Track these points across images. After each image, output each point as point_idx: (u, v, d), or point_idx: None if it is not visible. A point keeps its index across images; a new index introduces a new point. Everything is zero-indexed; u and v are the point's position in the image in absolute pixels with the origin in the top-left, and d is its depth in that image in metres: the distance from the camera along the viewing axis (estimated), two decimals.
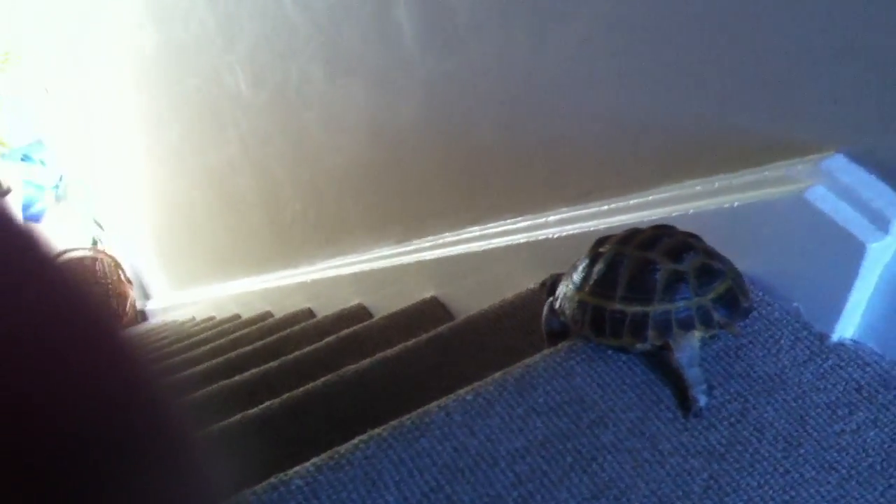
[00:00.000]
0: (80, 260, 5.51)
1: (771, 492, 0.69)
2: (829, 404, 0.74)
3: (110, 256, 5.48)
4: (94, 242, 6.01)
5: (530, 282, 1.23)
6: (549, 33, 1.08)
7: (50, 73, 5.41)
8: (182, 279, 4.16)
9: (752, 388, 0.76)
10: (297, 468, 0.71)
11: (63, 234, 6.25)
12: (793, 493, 0.69)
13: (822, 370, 0.77)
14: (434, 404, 0.76)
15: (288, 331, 1.83)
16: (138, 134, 3.70)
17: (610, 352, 0.79)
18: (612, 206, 1.06)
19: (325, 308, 2.09)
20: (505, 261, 1.31)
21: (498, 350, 1.10)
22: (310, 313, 2.21)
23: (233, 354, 1.75)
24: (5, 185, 6.81)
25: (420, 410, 0.75)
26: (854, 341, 0.79)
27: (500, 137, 1.29)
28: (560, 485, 0.69)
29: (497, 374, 0.79)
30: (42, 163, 7.30)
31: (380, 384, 1.09)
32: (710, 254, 0.74)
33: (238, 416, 1.04)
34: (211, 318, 3.28)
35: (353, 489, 0.68)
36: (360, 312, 1.86)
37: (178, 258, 4.07)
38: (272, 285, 2.60)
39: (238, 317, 2.90)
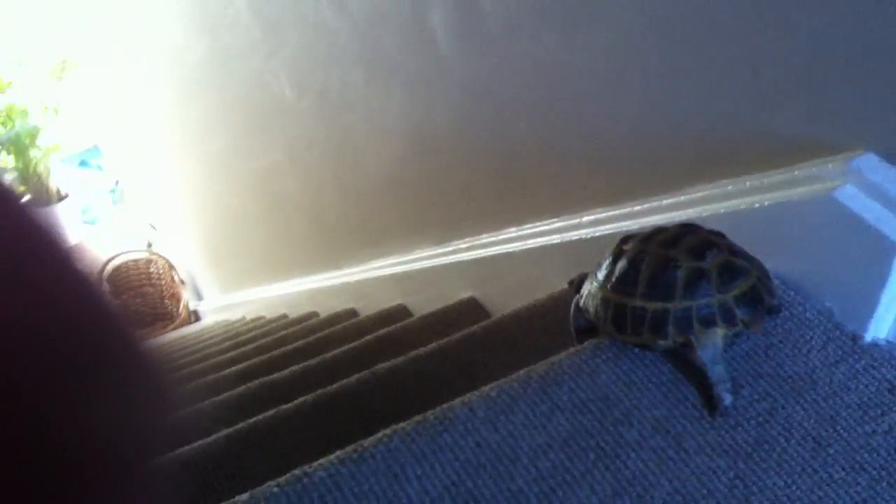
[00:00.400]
0: (136, 262, 5.64)
1: (798, 492, 0.68)
2: (861, 405, 0.73)
3: (164, 258, 5.59)
4: (149, 245, 6.14)
5: (564, 282, 1.23)
6: (581, 34, 1.08)
7: (105, 80, 5.54)
8: (232, 281, 4.22)
9: (781, 388, 0.75)
10: (321, 461, 0.72)
11: (119, 237, 6.40)
12: (821, 494, 0.68)
13: (853, 370, 0.76)
14: (458, 400, 0.76)
15: (330, 330, 1.85)
16: (189, 140, 3.78)
17: (636, 350, 0.79)
18: (645, 206, 1.06)
19: (368, 308, 2.11)
20: (540, 261, 1.31)
21: (529, 349, 1.10)
22: (353, 313, 2.23)
23: (276, 353, 1.78)
24: (63, 191, 7.00)
25: (444, 406, 0.76)
26: (888, 341, 0.78)
27: (535, 138, 1.29)
28: (582, 481, 0.69)
29: (522, 372, 0.79)
30: (98, 168, 7.48)
31: (411, 382, 1.10)
32: (734, 251, 0.74)
33: (273, 412, 1.06)
34: (260, 318, 3.33)
35: (374, 482, 0.69)
36: (401, 312, 1.88)
37: (229, 260, 4.14)
38: (317, 286, 2.63)
39: (285, 317, 2.94)
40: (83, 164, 7.38)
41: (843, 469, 0.69)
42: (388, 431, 0.73)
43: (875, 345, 0.77)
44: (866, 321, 0.77)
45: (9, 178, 6.58)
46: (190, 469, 0.98)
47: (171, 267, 5.48)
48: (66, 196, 6.85)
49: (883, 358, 0.76)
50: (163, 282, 5.65)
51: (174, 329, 5.15)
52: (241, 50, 2.53)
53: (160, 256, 5.58)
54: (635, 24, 0.98)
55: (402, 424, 0.74)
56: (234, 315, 4.15)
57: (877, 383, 0.75)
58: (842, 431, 0.72)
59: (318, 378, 1.33)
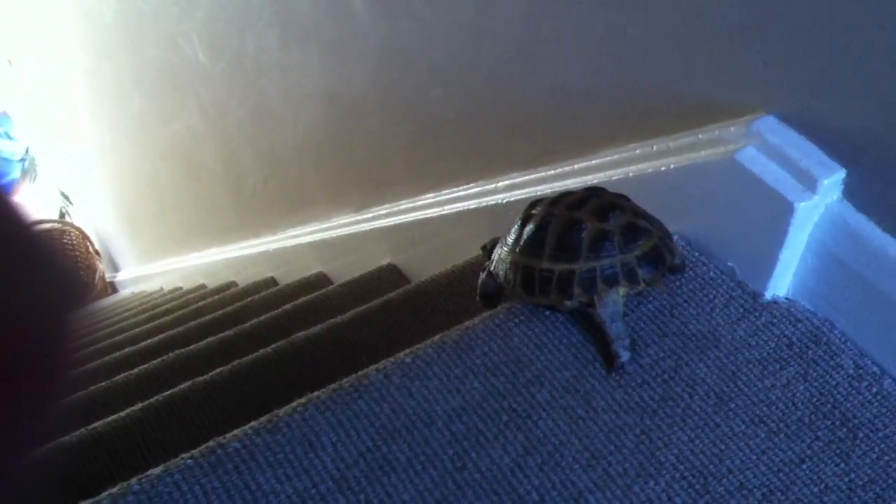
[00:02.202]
0: (49, 232, 5.46)
1: (701, 445, 0.70)
2: (761, 360, 0.76)
3: (78, 229, 5.43)
4: (62, 215, 5.95)
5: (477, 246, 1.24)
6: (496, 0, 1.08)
7: (13, 44, 5.31)
8: (150, 250, 4.13)
9: (685, 346, 0.77)
10: (235, 431, 0.71)
11: (31, 207, 6.18)
12: (723, 447, 0.70)
13: (754, 327, 0.79)
14: (373, 367, 0.77)
15: (248, 300, 1.83)
16: (102, 105, 3.66)
17: (548, 313, 0.80)
18: (558, 170, 1.07)
19: (288, 276, 2.09)
20: (458, 227, 1.32)
21: (447, 314, 1.11)
22: (272, 282, 2.21)
23: (193, 324, 1.75)
24: None
25: (359, 373, 0.76)
26: (787, 299, 0.81)
27: (452, 104, 1.29)
28: (495, 442, 0.70)
29: (436, 337, 0.80)
30: (8, 135, 7.19)
31: (330, 349, 1.10)
32: (637, 213, 0.75)
33: (188, 383, 1.05)
34: (178, 289, 3.27)
35: (290, 450, 0.69)
36: (321, 280, 1.87)
37: (146, 229, 4.04)
38: (236, 255, 2.59)
39: (203, 287, 2.90)
40: None
41: (744, 422, 0.72)
42: (302, 400, 0.73)
43: (774, 302, 0.80)
44: (766, 280, 0.80)
45: None
46: (103, 444, 0.97)
47: (86, 238, 5.32)
48: None
49: (782, 315, 0.79)
50: (77, 253, 5.48)
51: (90, 302, 5.02)
52: (154, 12, 2.45)
53: (74, 227, 5.42)
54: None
55: (317, 393, 0.74)
56: (151, 286, 4.06)
57: (776, 339, 0.78)
58: (742, 386, 0.75)
59: (236, 348, 1.31)
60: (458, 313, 1.13)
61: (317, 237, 1.90)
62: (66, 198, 5.92)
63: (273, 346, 1.10)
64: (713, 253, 0.85)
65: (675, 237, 0.84)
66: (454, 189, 1.34)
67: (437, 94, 1.32)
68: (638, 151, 0.94)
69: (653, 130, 0.93)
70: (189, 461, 0.68)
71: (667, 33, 0.86)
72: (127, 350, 1.70)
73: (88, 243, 5.33)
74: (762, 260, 0.80)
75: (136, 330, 2.07)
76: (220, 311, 1.78)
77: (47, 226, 5.49)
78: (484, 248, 0.90)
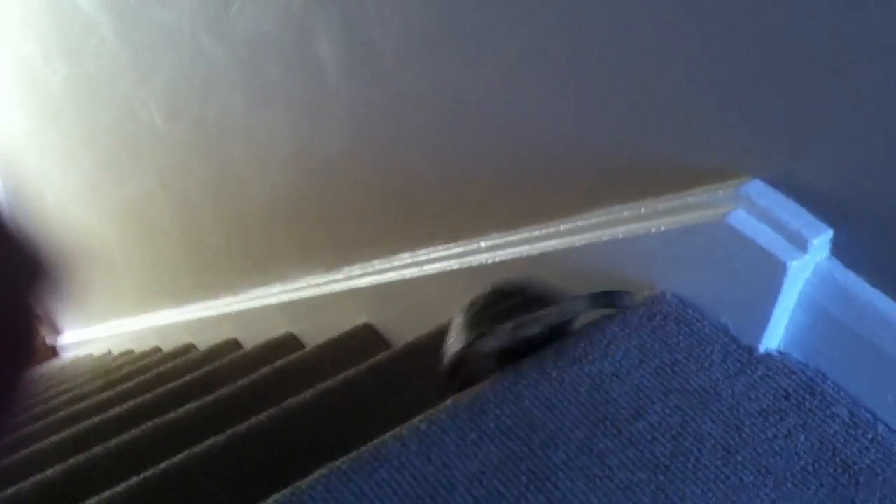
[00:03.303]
0: None
1: (714, 498, 0.73)
2: (762, 412, 0.80)
3: None
4: None
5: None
6: (476, 63, 1.12)
7: None
8: (97, 313, 4.05)
9: (689, 402, 0.80)
10: None
11: None
12: (735, 498, 0.73)
13: (752, 380, 0.82)
14: (389, 435, 0.78)
15: (217, 363, 1.81)
16: (47, 168, 3.60)
17: (554, 374, 0.82)
18: (543, 231, 1.10)
19: (254, 338, 2.08)
20: (438, 287, 1.34)
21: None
22: (236, 344, 2.19)
23: (162, 390, 1.73)
24: None
25: (376, 442, 0.77)
26: (780, 352, 0.84)
27: (430, 164, 1.32)
28: None
29: (448, 402, 0.81)
30: None
31: (324, 416, 1.10)
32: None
33: (184, 455, 1.04)
34: (129, 352, 3.21)
35: None
36: (290, 341, 1.86)
37: (93, 291, 3.96)
38: (195, 316, 2.56)
39: (159, 350, 2.85)
40: None
41: (752, 473, 0.75)
42: (323, 471, 0.74)
43: (768, 356, 0.84)
44: (760, 334, 0.84)
45: None
46: None
47: None
48: None
49: (777, 367, 0.83)
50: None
51: (34, 366, 4.87)
52: (107, 77, 2.45)
53: None
54: (528, 52, 1.03)
55: (336, 463, 0.75)
56: (99, 349, 3.98)
57: (773, 391, 0.81)
58: (747, 438, 0.78)
59: (219, 416, 1.30)
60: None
61: (285, 297, 1.90)
62: None
63: (265, 414, 1.10)
64: (705, 310, 0.88)
65: (668, 295, 0.88)
66: (433, 249, 1.36)
67: (415, 154, 1.35)
68: (626, 213, 0.97)
69: (639, 192, 0.97)
70: None
71: (652, 99, 0.90)
72: (96, 419, 1.66)
73: None
74: (755, 316, 0.84)
75: (99, 396, 2.02)
76: (189, 376, 1.76)
77: None
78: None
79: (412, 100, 1.28)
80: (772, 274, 0.80)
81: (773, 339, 0.84)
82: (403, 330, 1.46)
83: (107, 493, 0.99)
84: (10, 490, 1.26)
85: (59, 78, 2.91)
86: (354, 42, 1.35)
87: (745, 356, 0.84)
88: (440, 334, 1.20)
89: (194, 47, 1.88)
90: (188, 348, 2.52)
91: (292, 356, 1.54)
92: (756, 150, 0.83)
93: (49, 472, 1.28)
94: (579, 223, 1.04)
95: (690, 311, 0.89)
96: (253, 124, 1.79)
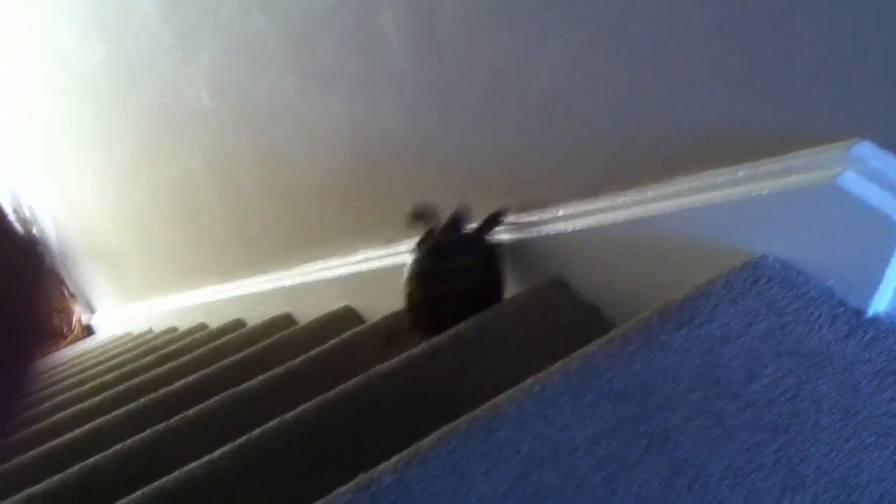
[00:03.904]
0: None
1: (837, 458, 0.73)
2: (876, 373, 0.79)
3: (51, 272, 5.33)
4: None
5: (546, 275, 1.26)
6: (552, 34, 1.10)
7: None
8: (134, 291, 4.08)
9: (802, 364, 0.80)
10: (381, 466, 0.72)
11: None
12: (856, 460, 0.73)
13: (863, 343, 0.82)
14: (503, 397, 0.78)
15: (277, 336, 1.83)
16: (85, 149, 3.62)
17: (663, 337, 0.82)
18: (629, 198, 1.10)
19: (307, 312, 2.09)
20: (512, 256, 1.33)
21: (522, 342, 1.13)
22: (290, 318, 2.20)
23: (225, 363, 1.74)
24: None
25: (490, 403, 0.78)
26: (887, 314, 0.84)
27: (495, 140, 1.31)
28: (640, 465, 0.72)
29: (558, 365, 0.81)
30: None
31: (410, 381, 1.10)
32: None
33: (275, 422, 1.05)
34: (173, 329, 3.23)
35: (444, 481, 0.70)
36: (349, 314, 1.87)
37: (130, 271, 3.99)
38: (242, 292, 2.58)
39: (205, 326, 2.87)
40: None
41: (872, 434, 0.75)
42: (443, 431, 0.74)
43: (877, 318, 0.83)
44: (869, 297, 0.83)
45: None
46: (203, 486, 0.96)
47: (61, 281, 5.24)
48: None
49: (887, 329, 0.82)
50: (51, 296, 5.39)
51: (68, 346, 4.93)
52: (149, 57, 2.44)
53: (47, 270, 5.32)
54: (617, 14, 1.01)
55: (455, 424, 0.75)
56: (137, 327, 4.01)
57: (887, 352, 0.80)
58: (864, 400, 0.77)
59: (298, 384, 1.32)
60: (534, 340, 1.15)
61: (342, 271, 1.90)
62: (38, 240, 5.82)
63: (353, 380, 1.10)
64: (810, 273, 0.87)
65: (770, 259, 0.87)
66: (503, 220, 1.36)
67: (477, 133, 1.34)
68: (720, 178, 0.97)
69: (733, 157, 0.96)
70: (347, 496, 0.69)
71: (755, 61, 0.89)
72: (159, 393, 1.68)
73: (64, 286, 5.25)
74: (865, 278, 0.83)
75: (153, 371, 2.04)
76: (249, 349, 1.77)
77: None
78: None
79: (478, 77, 1.27)
80: (884, 235, 0.79)
81: (882, 301, 0.83)
82: None
83: (205, 459, 1.00)
84: (90, 461, 1.28)
85: (97, 59, 2.91)
86: (419, 18, 1.34)
87: (854, 319, 0.83)
88: (518, 305, 1.21)
89: (245, 24, 1.87)
90: (237, 323, 2.54)
91: (358, 328, 1.54)
92: (865, 111, 0.82)
93: (128, 443, 1.30)
94: (668, 189, 1.04)
95: (794, 274, 0.88)
96: (305, 102, 1.79)
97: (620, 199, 1.10)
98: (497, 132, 1.30)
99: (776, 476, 0.71)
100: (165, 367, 2.05)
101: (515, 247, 1.33)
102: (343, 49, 1.56)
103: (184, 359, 2.05)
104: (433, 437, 0.74)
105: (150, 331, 3.63)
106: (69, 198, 4.33)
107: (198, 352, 2.08)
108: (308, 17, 1.63)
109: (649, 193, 1.06)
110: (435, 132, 1.44)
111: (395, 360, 1.13)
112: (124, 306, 4.40)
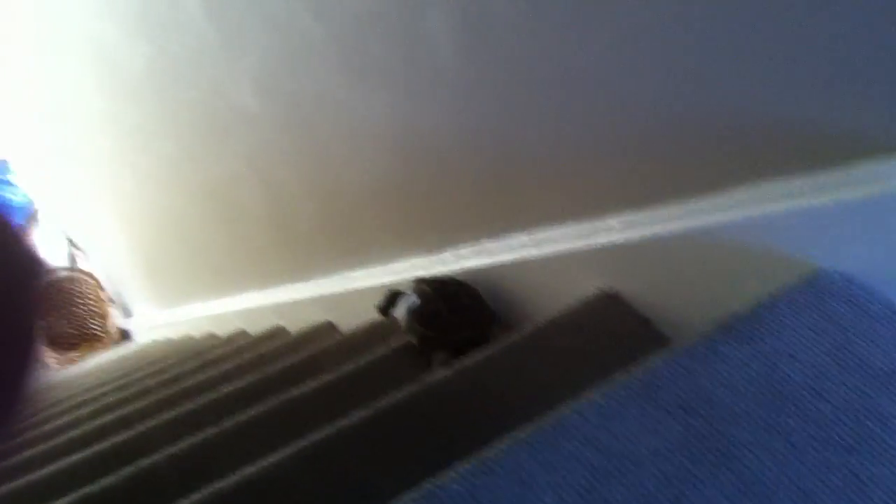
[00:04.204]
0: (58, 281, 5.43)
1: None
2: None
3: (88, 275, 5.40)
4: (72, 262, 5.92)
5: (596, 285, 1.26)
6: (606, 38, 1.09)
7: (16, 89, 5.31)
8: (171, 297, 4.12)
9: (868, 382, 0.79)
10: (448, 473, 0.72)
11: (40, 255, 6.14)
12: None
13: None
14: (566, 407, 0.78)
15: (324, 343, 1.84)
16: (123, 150, 3.66)
17: (727, 352, 0.82)
18: (683, 208, 1.09)
19: (350, 320, 2.10)
20: (561, 267, 1.33)
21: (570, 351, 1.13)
22: (332, 327, 2.21)
23: (271, 369, 1.76)
24: None
25: (555, 414, 0.77)
26: None
27: (549, 142, 1.30)
28: (708, 482, 0.71)
29: (620, 377, 0.81)
30: (9, 182, 7.17)
31: (466, 392, 1.11)
32: None
33: (333, 429, 1.05)
34: (213, 336, 3.26)
35: (510, 492, 0.70)
36: (393, 324, 1.87)
37: (168, 275, 4.03)
38: (283, 299, 2.59)
39: (245, 332, 2.89)
40: None
41: None
42: (508, 441, 0.74)
43: None
44: None
45: None
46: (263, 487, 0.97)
47: (98, 284, 5.30)
48: None
49: None
50: (89, 300, 5.46)
51: (105, 350, 4.98)
52: (193, 57, 2.47)
53: (84, 273, 5.39)
54: (669, 21, 1.00)
55: (518, 433, 0.75)
56: (175, 333, 4.05)
57: None
58: None
59: (347, 392, 1.32)
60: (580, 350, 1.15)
61: (385, 279, 1.91)
62: (75, 245, 5.90)
63: (408, 388, 1.11)
64: (874, 288, 0.87)
65: (832, 272, 0.87)
66: (550, 228, 1.35)
67: (529, 134, 1.33)
68: (779, 189, 0.96)
69: (794, 168, 0.95)
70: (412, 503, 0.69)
71: (818, 69, 0.88)
72: (208, 398, 1.70)
73: (100, 290, 5.31)
74: None
75: (197, 377, 2.06)
76: (295, 357, 1.79)
77: (57, 275, 5.47)
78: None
79: (531, 77, 1.27)
80: None
81: None
82: (518, 312, 1.46)
83: (261, 463, 1.01)
84: (144, 463, 1.29)
85: (141, 58, 2.94)
86: (468, 17, 1.34)
87: None
88: (569, 317, 1.20)
89: (292, 25, 1.89)
90: (279, 331, 2.55)
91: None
92: None
93: (180, 446, 1.31)
94: (726, 200, 1.03)
95: (857, 289, 0.87)
96: (351, 103, 1.80)
97: (676, 209, 1.10)
98: (550, 134, 1.30)
99: (844, 497, 0.71)
100: (210, 372, 2.06)
101: (561, 258, 1.32)
102: (391, 49, 1.57)
103: (228, 365, 2.07)
104: (499, 446, 0.74)
105: (190, 336, 3.66)
106: (107, 199, 4.38)
107: (241, 358, 2.10)
108: (356, 16, 1.63)
109: (705, 204, 1.06)
110: (485, 134, 1.44)
111: (450, 369, 1.13)
112: (162, 311, 4.45)
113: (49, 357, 5.12)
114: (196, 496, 0.98)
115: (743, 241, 1.00)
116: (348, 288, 2.12)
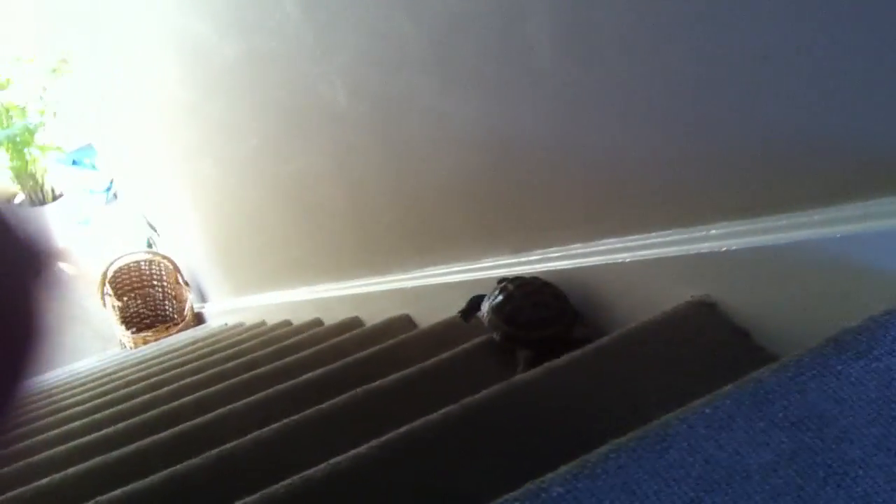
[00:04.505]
0: (137, 263, 5.58)
1: None
2: None
3: (166, 258, 5.54)
4: (149, 245, 6.08)
5: (687, 294, 1.24)
6: (718, 47, 1.08)
7: (106, 78, 5.47)
8: (247, 284, 4.19)
9: None
10: (550, 475, 0.72)
11: (115, 237, 6.32)
12: None
13: None
14: (671, 416, 0.77)
15: (403, 336, 1.85)
16: (207, 141, 3.74)
17: (839, 367, 0.79)
18: (792, 220, 1.07)
19: (426, 315, 2.11)
20: (654, 272, 1.32)
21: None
22: (409, 320, 2.22)
23: (350, 360, 1.78)
24: (58, 191, 6.92)
25: (659, 422, 0.76)
26: None
27: (649, 152, 1.29)
28: (817, 498, 0.70)
29: (727, 388, 0.79)
30: (93, 167, 7.40)
31: (550, 392, 1.10)
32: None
33: (421, 421, 1.06)
34: (287, 323, 3.31)
35: (614, 497, 0.69)
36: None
37: (244, 263, 4.11)
38: (359, 291, 2.62)
39: (320, 322, 2.93)
40: (76, 163, 7.31)
41: None
42: (612, 447, 0.73)
43: None
44: None
45: (4, 176, 6.49)
46: (347, 480, 0.98)
47: (176, 268, 5.43)
48: (61, 196, 6.77)
49: None
50: (165, 283, 5.60)
51: (178, 332, 5.10)
52: (287, 53, 2.51)
53: (163, 257, 5.53)
54: (788, 36, 0.98)
55: (623, 440, 0.74)
56: (249, 319, 4.12)
57: None
58: None
59: (432, 384, 1.33)
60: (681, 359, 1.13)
61: (465, 277, 1.91)
62: (154, 228, 6.06)
63: (496, 386, 1.10)
64: None
65: None
66: (646, 235, 1.34)
67: (628, 142, 1.32)
68: (892, 206, 0.93)
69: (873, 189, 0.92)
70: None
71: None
72: (286, 384, 1.72)
73: (178, 274, 5.44)
74: None
75: (274, 364, 2.09)
76: (377, 347, 1.80)
77: (136, 256, 5.62)
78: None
79: (633, 86, 1.25)
80: None
81: None
82: (606, 317, 1.45)
83: (351, 452, 1.01)
84: (228, 447, 1.32)
85: (233, 53, 3.00)
86: (571, 24, 1.33)
87: None
88: (662, 323, 1.19)
89: (386, 25, 1.90)
90: (355, 321, 2.58)
91: (483, 336, 1.55)
92: None
93: (263, 432, 1.33)
94: (836, 214, 1.00)
95: None
96: (441, 105, 1.80)
97: (783, 220, 1.07)
98: (649, 142, 1.28)
99: None
100: (286, 360, 2.09)
101: (654, 263, 1.31)
102: (486, 52, 1.57)
103: (305, 353, 2.10)
104: (602, 451, 0.73)
105: (264, 322, 3.72)
106: (187, 187, 4.48)
107: (318, 347, 2.12)
108: (452, 18, 1.64)
109: (817, 217, 1.03)
110: (580, 139, 1.43)
111: (537, 370, 1.13)
112: (237, 297, 4.53)
113: (123, 336, 5.27)
114: (286, 482, 0.99)
115: (854, 256, 0.97)
116: (424, 283, 2.13)
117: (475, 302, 1.65)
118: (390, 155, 2.14)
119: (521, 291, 1.49)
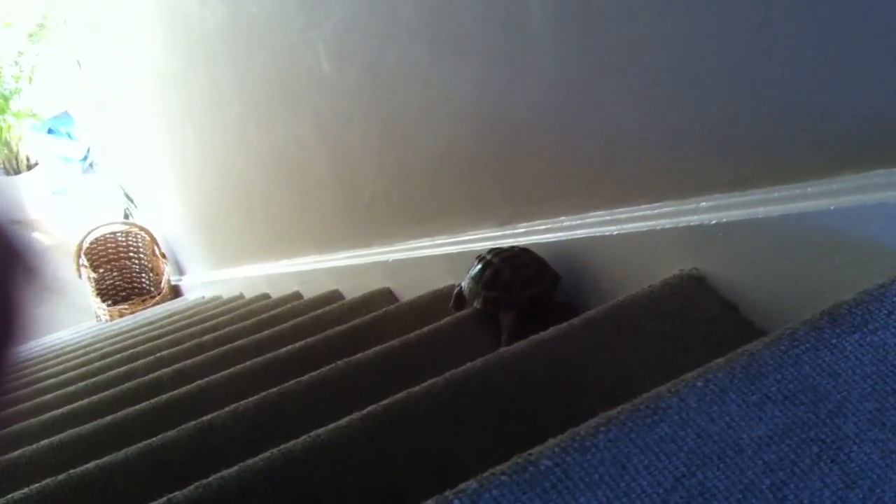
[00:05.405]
0: (113, 234, 5.51)
1: None
2: None
3: (143, 230, 5.47)
4: (126, 216, 6.01)
5: (675, 268, 1.22)
6: (723, 10, 1.05)
7: (84, 44, 5.37)
8: (227, 256, 4.14)
9: None
10: (538, 448, 0.69)
11: (92, 207, 6.24)
12: None
13: None
14: (664, 389, 0.75)
15: (385, 309, 1.83)
16: (188, 110, 3.68)
17: (834, 340, 0.78)
18: (783, 192, 1.05)
19: (408, 288, 2.08)
20: (641, 245, 1.30)
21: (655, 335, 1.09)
22: (390, 293, 2.20)
23: (331, 332, 1.75)
24: (33, 159, 6.82)
25: (650, 394, 0.74)
26: None
27: (644, 121, 1.26)
28: (811, 474, 0.68)
29: (720, 361, 0.78)
30: (69, 136, 7.29)
31: (538, 365, 1.08)
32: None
33: (403, 394, 1.03)
34: (265, 296, 3.27)
35: (603, 471, 0.67)
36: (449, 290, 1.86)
37: (225, 235, 4.06)
38: (341, 264, 2.59)
39: (299, 295, 2.90)
40: (52, 131, 7.19)
41: None
42: (601, 420, 0.71)
43: None
44: None
45: None
46: (330, 454, 0.95)
47: (153, 240, 5.37)
48: (36, 164, 6.67)
49: None
50: (142, 255, 5.53)
51: (155, 304, 5.05)
52: (270, 19, 2.46)
53: (141, 228, 5.46)
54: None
55: (614, 413, 0.72)
56: (226, 292, 4.08)
57: None
58: None
59: (411, 357, 1.31)
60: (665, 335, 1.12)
61: (451, 250, 1.89)
62: (131, 199, 5.98)
63: (482, 359, 1.08)
64: None
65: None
66: (635, 207, 1.32)
67: (624, 112, 1.29)
68: (887, 178, 0.91)
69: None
70: (504, 477, 0.66)
71: None
72: (266, 356, 1.69)
73: (155, 246, 5.37)
74: None
75: (254, 336, 2.06)
76: (358, 321, 1.77)
77: (112, 227, 5.55)
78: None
79: (633, 52, 1.23)
80: None
81: None
82: (602, 290, 1.43)
83: (331, 425, 0.99)
84: (206, 419, 1.29)
85: (216, 19, 2.94)
86: None
87: None
88: (650, 296, 1.17)
89: None
90: (335, 294, 2.55)
91: (469, 309, 1.53)
92: None
93: (242, 404, 1.31)
94: (830, 186, 0.98)
95: None
96: (433, 74, 1.77)
97: (775, 193, 1.05)
98: (641, 114, 1.26)
99: None
100: (266, 332, 2.06)
101: (642, 236, 1.29)
102: (479, 20, 1.53)
103: (285, 325, 2.07)
104: (591, 424, 0.71)
105: (242, 296, 3.68)
106: (166, 157, 4.42)
107: (298, 320, 2.09)
108: None
109: (810, 189, 1.01)
110: (574, 109, 1.40)
111: (524, 342, 1.11)
112: (215, 270, 4.49)
113: (99, 308, 5.21)
114: (265, 455, 0.97)
115: (848, 229, 0.96)
116: (409, 256, 2.10)
117: (458, 288, 1.64)
118: (376, 124, 2.11)
119: (498, 258, 1.48)
